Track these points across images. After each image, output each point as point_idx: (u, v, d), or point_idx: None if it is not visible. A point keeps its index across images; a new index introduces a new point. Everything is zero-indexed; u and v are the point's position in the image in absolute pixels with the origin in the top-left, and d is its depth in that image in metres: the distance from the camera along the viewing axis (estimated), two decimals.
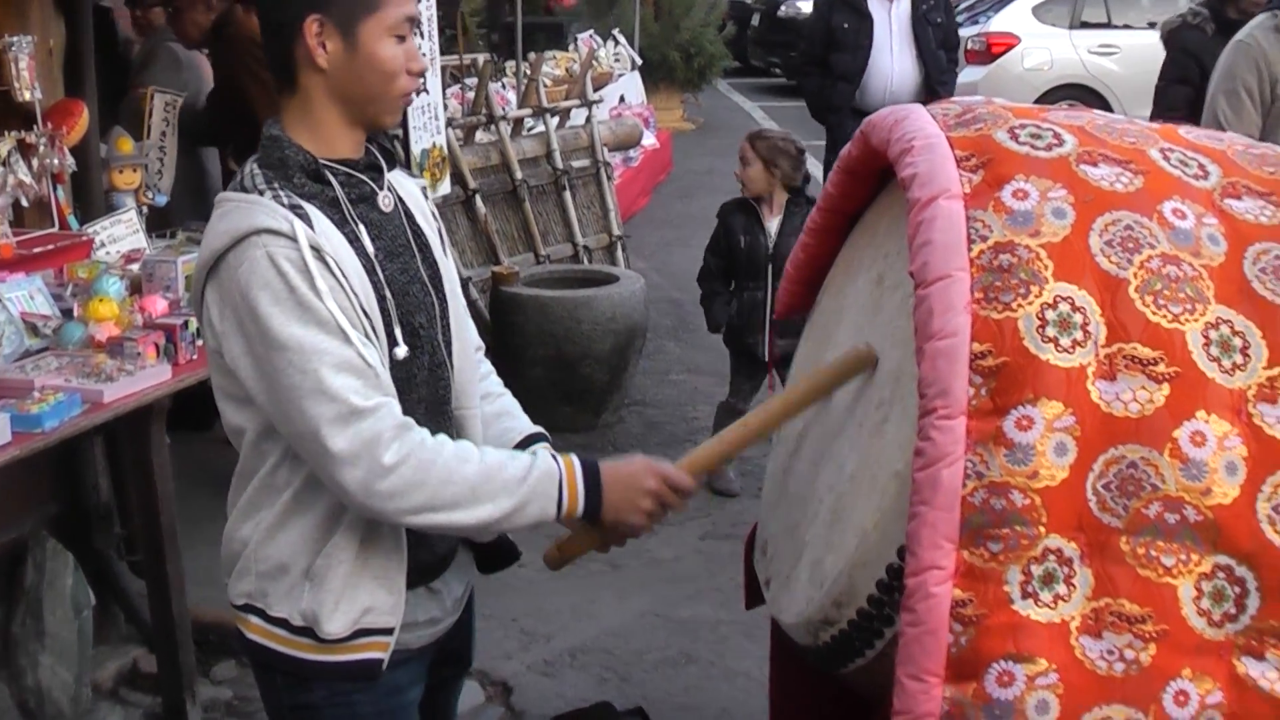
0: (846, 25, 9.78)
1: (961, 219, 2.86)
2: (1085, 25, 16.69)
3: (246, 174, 2.85)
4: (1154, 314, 2.78)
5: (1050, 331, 2.75)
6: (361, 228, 2.86)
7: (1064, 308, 2.77)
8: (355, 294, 2.77)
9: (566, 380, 8.09)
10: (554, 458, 2.92)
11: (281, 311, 2.69)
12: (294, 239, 2.71)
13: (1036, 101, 13.24)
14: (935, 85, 9.81)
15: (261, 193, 2.78)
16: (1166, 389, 2.74)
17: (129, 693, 5.41)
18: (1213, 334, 2.80)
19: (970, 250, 2.83)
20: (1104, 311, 2.78)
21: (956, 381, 2.73)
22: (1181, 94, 7.56)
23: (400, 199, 3.02)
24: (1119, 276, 2.81)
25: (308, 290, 2.69)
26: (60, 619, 5.07)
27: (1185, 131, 3.27)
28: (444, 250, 3.12)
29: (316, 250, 2.72)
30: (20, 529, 5.10)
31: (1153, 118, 6.80)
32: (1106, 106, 15.80)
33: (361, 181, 2.92)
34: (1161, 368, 2.75)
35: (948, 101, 3.34)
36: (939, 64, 9.94)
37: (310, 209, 2.78)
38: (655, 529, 3.11)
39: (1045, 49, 16.38)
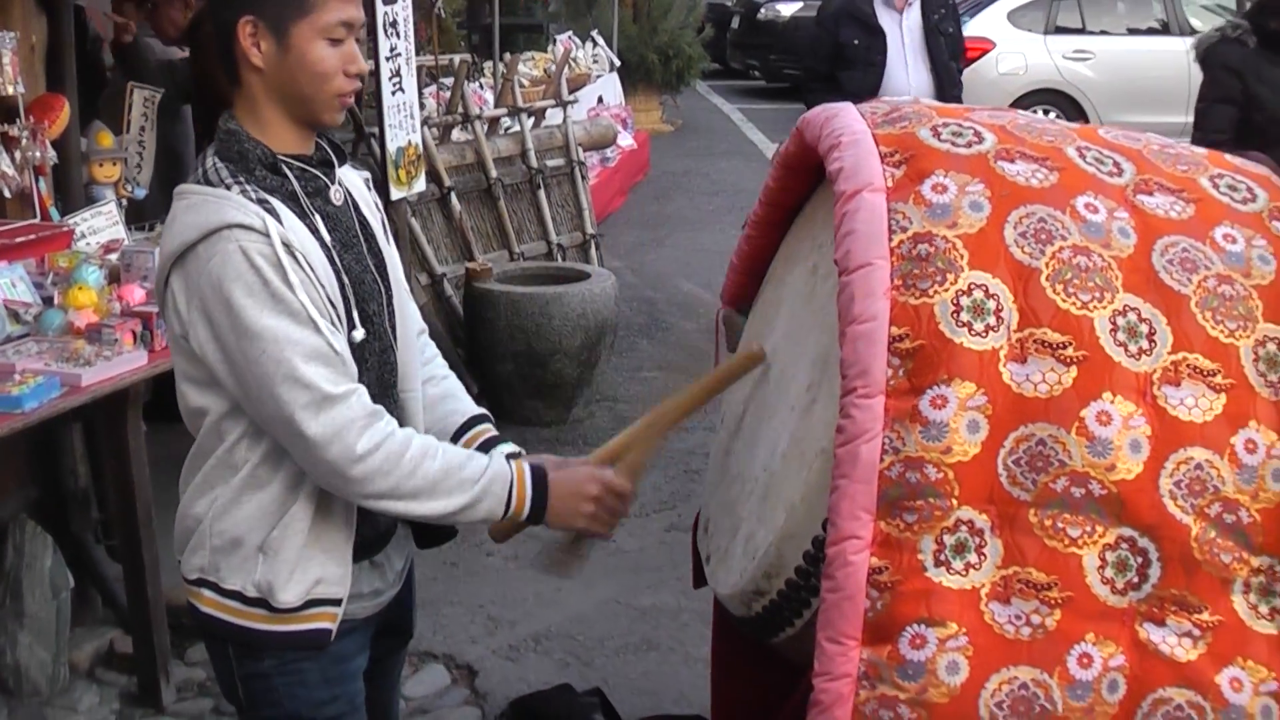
0: (857, 41, 8.94)
1: (883, 211, 3.03)
2: (1060, 30, 16.75)
3: (209, 167, 2.96)
4: (1064, 301, 2.94)
5: (965, 317, 2.91)
6: (319, 219, 2.99)
7: (978, 294, 2.93)
8: (322, 285, 2.92)
9: (537, 375, 8.18)
10: (508, 460, 3.09)
11: (255, 303, 2.81)
12: (266, 234, 2.83)
13: (1012, 106, 13.34)
14: (948, 99, 8.84)
15: (229, 187, 2.90)
16: (1074, 371, 2.90)
17: (105, 673, 5.50)
18: (1120, 320, 2.95)
19: (891, 240, 2.99)
20: (1016, 298, 2.94)
21: (875, 363, 2.89)
22: (1225, 114, 6.82)
23: (347, 191, 3.15)
24: (1031, 266, 2.97)
25: (280, 283, 2.82)
26: (39, 600, 5.17)
27: (1104, 131, 3.43)
28: (387, 239, 3.26)
29: (287, 245, 2.85)
30: (1, 512, 5.21)
31: (1195, 142, 6.19)
32: (1081, 111, 15.91)
33: (315, 176, 3.05)
34: (1070, 351, 2.91)
35: (877, 101, 3.50)
36: (952, 76, 9.31)
37: (275, 203, 2.91)
38: (614, 531, 3.27)
39: (1020, 54, 16.45)
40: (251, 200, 2.89)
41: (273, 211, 2.89)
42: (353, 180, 3.20)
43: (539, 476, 3.09)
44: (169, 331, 3.01)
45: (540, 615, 6.09)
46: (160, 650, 5.27)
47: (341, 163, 3.16)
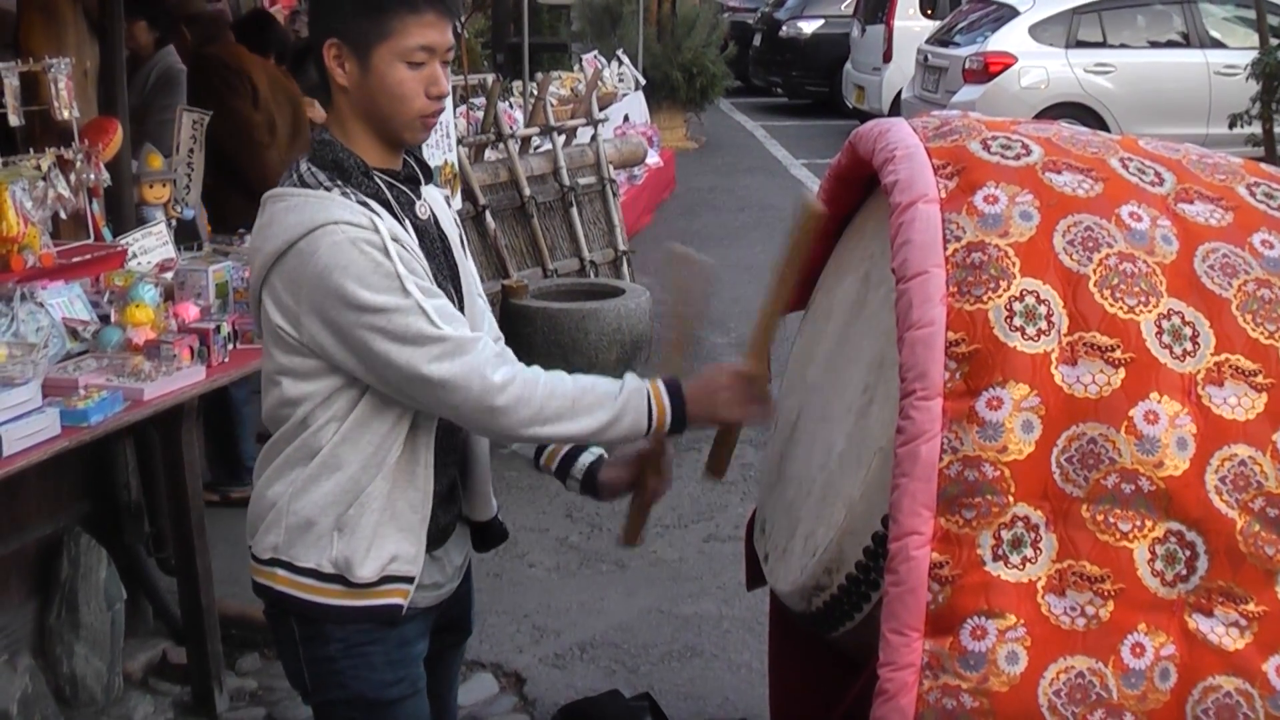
0: None
1: (938, 221, 3.16)
2: (1081, 44, 16.74)
3: (304, 171, 3.10)
4: (1111, 306, 3.07)
5: (1018, 321, 3.05)
6: (409, 227, 3.14)
7: (1030, 300, 3.06)
8: (426, 271, 3.08)
9: None
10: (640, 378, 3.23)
11: (367, 285, 2.96)
12: (373, 229, 2.99)
13: (1035, 119, 13.07)
14: None
15: (328, 190, 3.04)
16: (1122, 373, 3.03)
17: (158, 682, 5.58)
18: (1165, 324, 3.08)
19: (946, 249, 3.12)
20: (1066, 303, 3.07)
21: (933, 366, 3.03)
22: None
23: (430, 206, 3.28)
24: (1080, 272, 3.10)
25: (390, 265, 2.97)
26: (94, 611, 5.25)
27: (1145, 143, 3.56)
28: (464, 252, 3.40)
29: (395, 239, 3.01)
30: (56, 525, 5.29)
31: None
32: (1103, 124, 15.90)
33: (402, 190, 3.19)
34: (1118, 354, 3.04)
35: (927, 115, 3.62)
36: None
37: (375, 206, 3.05)
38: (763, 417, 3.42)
39: (1042, 68, 16.44)
40: (353, 201, 3.03)
41: (375, 213, 3.03)
42: (433, 195, 3.33)
43: (673, 386, 3.22)
44: (265, 327, 3.13)
45: (584, 624, 6.17)
46: (214, 659, 5.35)
47: (428, 180, 3.29)
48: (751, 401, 3.30)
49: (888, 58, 20.01)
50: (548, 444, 3.35)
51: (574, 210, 10.10)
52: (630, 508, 3.55)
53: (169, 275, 5.42)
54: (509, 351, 3.56)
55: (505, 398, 3.03)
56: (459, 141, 8.74)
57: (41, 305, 4.79)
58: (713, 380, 3.27)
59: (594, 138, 10.73)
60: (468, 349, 3.03)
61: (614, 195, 10.61)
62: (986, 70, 16.43)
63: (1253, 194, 3.38)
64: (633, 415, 3.15)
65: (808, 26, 23.93)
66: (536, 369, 3.14)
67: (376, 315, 2.97)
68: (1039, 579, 3.00)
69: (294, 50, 8.63)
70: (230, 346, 5.06)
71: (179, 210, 6.38)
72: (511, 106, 12.06)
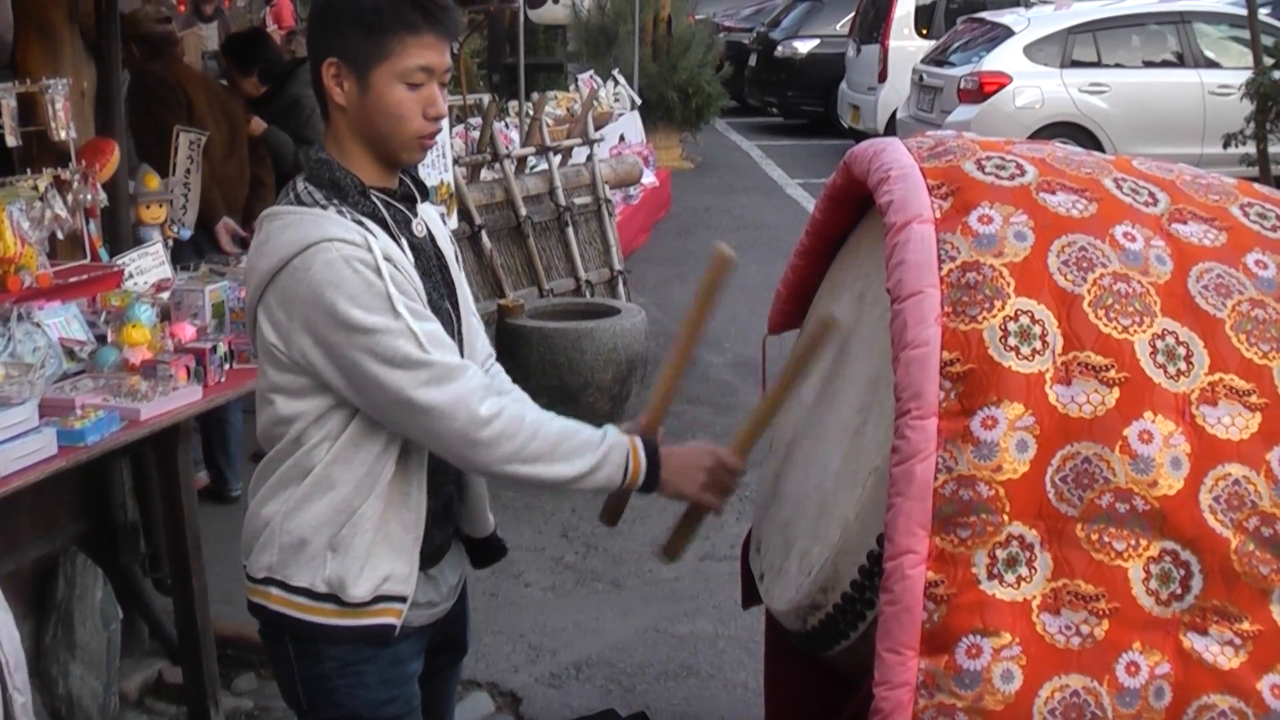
0: None
1: (932, 241, 3.18)
2: (1076, 64, 16.76)
3: (301, 190, 3.12)
4: (1105, 326, 3.09)
5: (1012, 341, 3.06)
6: (406, 245, 3.15)
7: (1024, 320, 3.08)
8: (419, 293, 3.09)
9: (570, 409, 8.03)
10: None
11: (359, 304, 2.96)
12: (366, 248, 2.99)
13: (1029, 139, 12.93)
14: None
15: (324, 208, 3.06)
16: (1117, 392, 3.05)
17: (154, 702, 5.57)
18: (1159, 344, 3.10)
19: (940, 269, 3.14)
20: (1060, 323, 3.09)
21: (928, 386, 3.03)
22: None
23: (426, 223, 3.30)
24: (1074, 292, 3.12)
25: (382, 285, 2.98)
26: (90, 631, 5.24)
27: (1138, 163, 3.57)
28: (459, 269, 3.41)
29: (388, 258, 3.01)
30: (52, 545, 5.28)
31: None
32: (1098, 143, 15.92)
33: (398, 209, 3.20)
34: (1112, 374, 3.05)
35: (922, 135, 3.63)
36: None
37: (370, 225, 3.06)
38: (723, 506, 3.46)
39: (1037, 88, 16.45)
40: (348, 220, 3.04)
41: (370, 232, 3.04)
42: (429, 213, 3.34)
43: (650, 447, 3.23)
44: (260, 344, 3.14)
45: (580, 644, 6.17)
46: (210, 679, 5.34)
47: (424, 198, 3.30)
48: (723, 492, 3.37)
49: (883, 77, 20.04)
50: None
51: (570, 230, 10.11)
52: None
53: (165, 295, 5.43)
54: (501, 373, 3.58)
55: (489, 431, 3.04)
56: (455, 161, 8.76)
57: (38, 325, 4.79)
58: (696, 459, 3.32)
59: (589, 158, 10.74)
60: (455, 376, 3.04)
61: (609, 215, 10.62)
62: (981, 90, 16.44)
63: (1246, 214, 3.40)
64: (610, 468, 3.17)
65: (803, 46, 23.94)
66: (522, 404, 3.16)
67: (366, 336, 2.98)
68: (1034, 598, 3.01)
69: (280, 68, 8.70)
70: (226, 366, 5.08)
71: (175, 230, 6.39)
72: (507, 126, 12.06)
